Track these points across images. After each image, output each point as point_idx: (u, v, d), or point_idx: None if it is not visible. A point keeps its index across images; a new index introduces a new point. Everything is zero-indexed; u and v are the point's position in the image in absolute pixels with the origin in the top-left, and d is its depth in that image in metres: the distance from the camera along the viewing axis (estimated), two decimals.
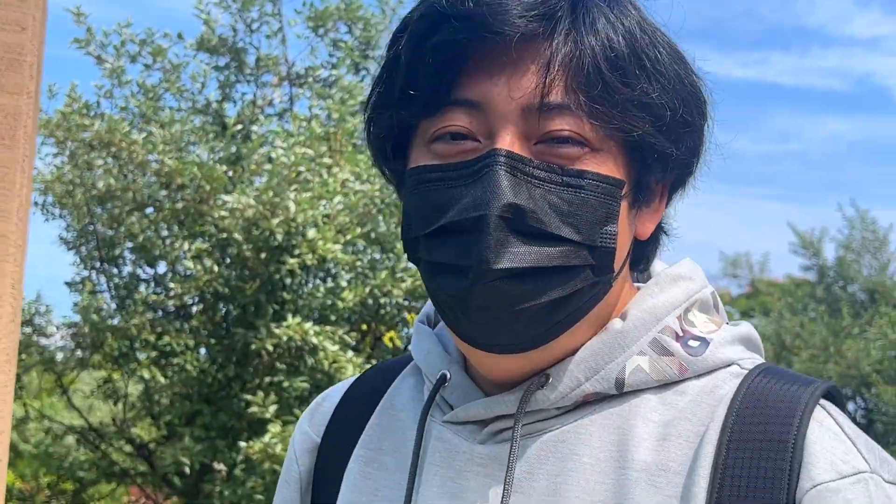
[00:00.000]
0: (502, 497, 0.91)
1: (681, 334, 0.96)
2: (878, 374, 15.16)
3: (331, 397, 1.12)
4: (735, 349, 0.97)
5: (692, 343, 0.95)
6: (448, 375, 0.98)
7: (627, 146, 0.91)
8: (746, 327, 1.01)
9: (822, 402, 0.93)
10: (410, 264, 6.28)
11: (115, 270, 7.46)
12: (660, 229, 1.00)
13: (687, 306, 0.98)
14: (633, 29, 0.91)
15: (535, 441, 0.94)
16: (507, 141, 0.88)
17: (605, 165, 0.90)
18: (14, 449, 8.03)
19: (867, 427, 15.82)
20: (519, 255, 0.87)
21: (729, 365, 0.96)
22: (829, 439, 0.90)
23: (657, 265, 1.02)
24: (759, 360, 0.99)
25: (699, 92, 0.95)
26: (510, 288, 0.87)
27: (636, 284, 1.02)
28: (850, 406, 16.46)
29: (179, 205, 6.51)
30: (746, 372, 0.95)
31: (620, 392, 0.94)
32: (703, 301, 0.99)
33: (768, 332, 16.55)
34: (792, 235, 17.01)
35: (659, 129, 0.91)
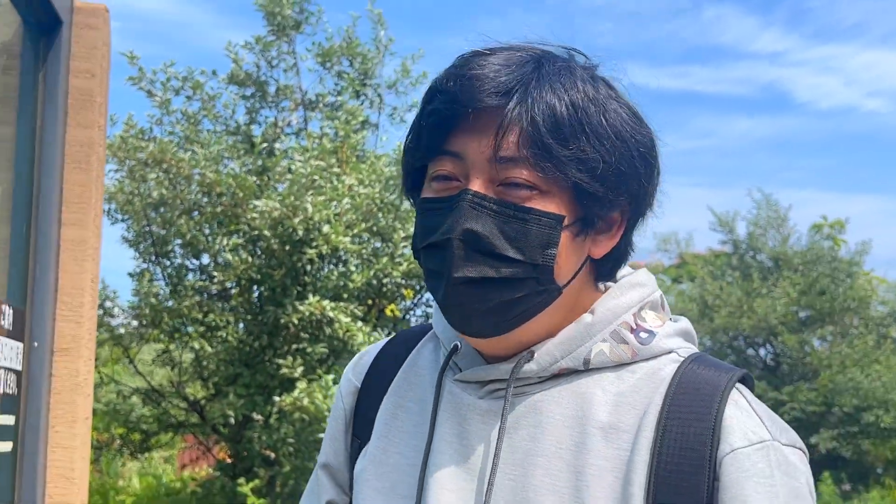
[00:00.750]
0: (497, 440, 0.99)
1: (634, 327, 1.03)
2: (782, 326, 15.26)
3: (369, 353, 1.19)
4: (674, 340, 1.04)
5: (642, 334, 1.02)
6: (459, 345, 1.05)
7: (570, 189, 0.98)
8: (684, 322, 1.08)
9: (738, 386, 1.00)
10: (406, 251, 6.34)
11: (167, 263, 7.46)
12: (622, 248, 1.05)
13: (641, 306, 1.04)
14: (577, 100, 0.97)
15: (521, 400, 1.02)
16: (477, 184, 0.96)
17: (550, 204, 0.96)
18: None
19: (775, 368, 15.93)
20: (474, 268, 0.96)
21: (669, 352, 1.03)
22: (742, 415, 0.97)
23: (623, 270, 1.09)
24: (693, 349, 1.06)
25: (645, 148, 1.01)
26: (470, 291, 0.96)
27: (606, 284, 1.08)
28: (762, 352, 16.53)
29: (218, 209, 6.53)
30: (682, 359, 1.02)
31: (586, 368, 1.01)
32: (654, 302, 1.06)
33: (694, 294, 16.60)
34: (711, 216, 17.03)
35: (593, 177, 0.97)
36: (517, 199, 0.96)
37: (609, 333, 1.02)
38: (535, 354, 1.01)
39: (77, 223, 2.93)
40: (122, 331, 7.99)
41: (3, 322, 2.52)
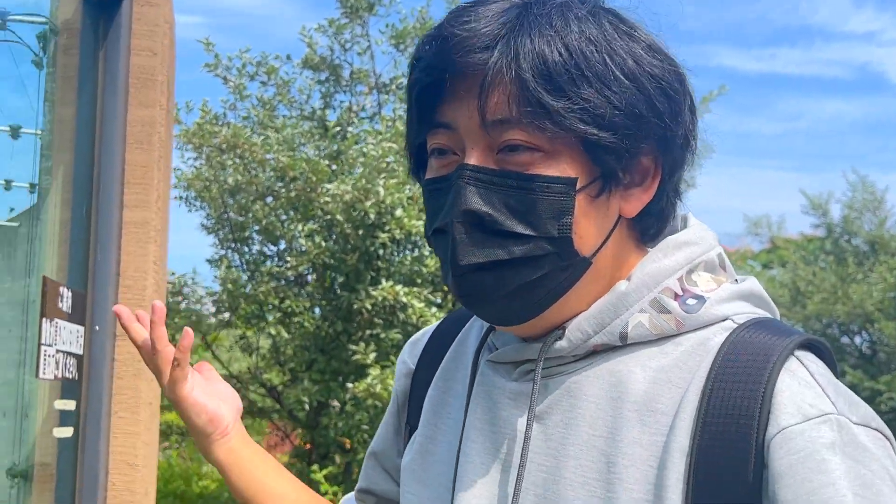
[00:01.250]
0: (526, 426, 0.89)
1: (680, 294, 0.90)
2: (879, 312, 14.71)
3: (426, 333, 1.12)
4: (732, 305, 0.90)
5: (690, 301, 0.89)
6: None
7: (579, 144, 0.86)
8: (750, 283, 0.93)
9: (799, 352, 0.84)
10: None
11: (245, 249, 7.52)
12: (663, 202, 0.92)
13: (690, 268, 0.91)
14: (571, 42, 0.85)
15: (555, 382, 0.91)
16: (474, 156, 0.86)
17: (558, 166, 0.85)
18: None
19: (871, 357, 15.36)
20: (479, 252, 0.86)
21: (724, 320, 0.89)
22: (798, 386, 0.81)
23: (691, 223, 0.96)
24: (759, 314, 0.91)
25: (666, 83, 0.88)
26: (480, 278, 0.87)
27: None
28: (857, 340, 15.96)
29: (293, 193, 6.52)
30: (737, 326, 0.88)
31: (624, 343, 0.89)
32: (709, 262, 0.92)
33: (786, 280, 16.15)
34: (804, 199, 16.57)
35: (602, 127, 0.84)
36: (520, 165, 0.85)
37: (648, 302, 0.89)
38: (566, 330, 0.90)
39: (139, 205, 2.89)
40: (212, 320, 8.03)
41: (62, 305, 2.48)
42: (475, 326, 1.05)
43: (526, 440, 0.88)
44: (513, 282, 0.86)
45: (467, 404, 0.95)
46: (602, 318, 0.89)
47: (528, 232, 0.85)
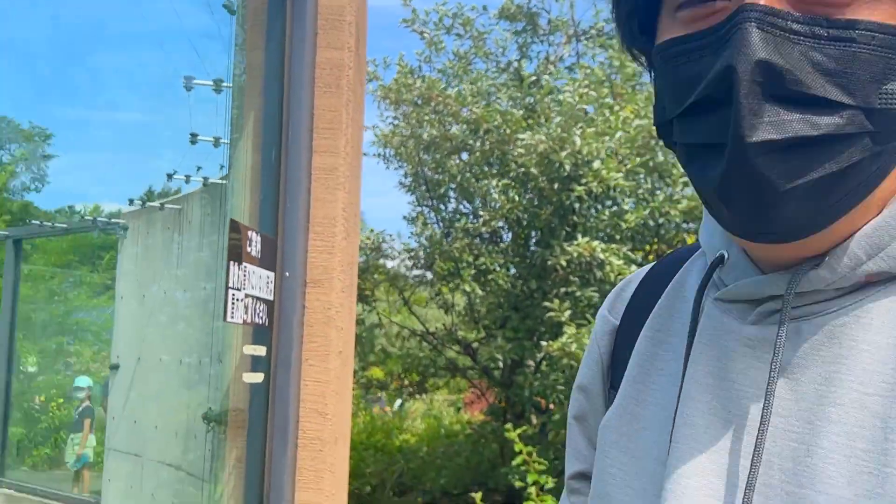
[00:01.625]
0: (769, 381, 0.67)
1: None
2: None
3: (631, 283, 0.92)
4: None
5: None
6: (726, 255, 0.75)
7: None
8: None
9: None
10: (689, 189, 5.84)
11: (441, 206, 7.52)
12: None
13: None
14: None
15: (809, 324, 0.69)
16: None
17: (883, 10, 0.62)
18: (384, 351, 8.38)
19: None
20: (778, 124, 0.60)
21: None
22: None
23: None
24: None
25: None
26: (772, 164, 0.61)
27: None
28: None
29: (487, 146, 6.42)
30: None
31: None
32: None
33: None
34: None
35: None
36: (831, 7, 0.61)
37: None
38: (829, 256, 0.66)
39: (328, 150, 2.84)
40: (412, 280, 8.13)
41: (251, 250, 2.46)
42: (696, 266, 0.84)
43: (768, 398, 0.67)
44: (814, 170, 0.62)
45: (687, 355, 0.75)
46: (880, 238, 0.66)
47: (843, 99, 0.61)
